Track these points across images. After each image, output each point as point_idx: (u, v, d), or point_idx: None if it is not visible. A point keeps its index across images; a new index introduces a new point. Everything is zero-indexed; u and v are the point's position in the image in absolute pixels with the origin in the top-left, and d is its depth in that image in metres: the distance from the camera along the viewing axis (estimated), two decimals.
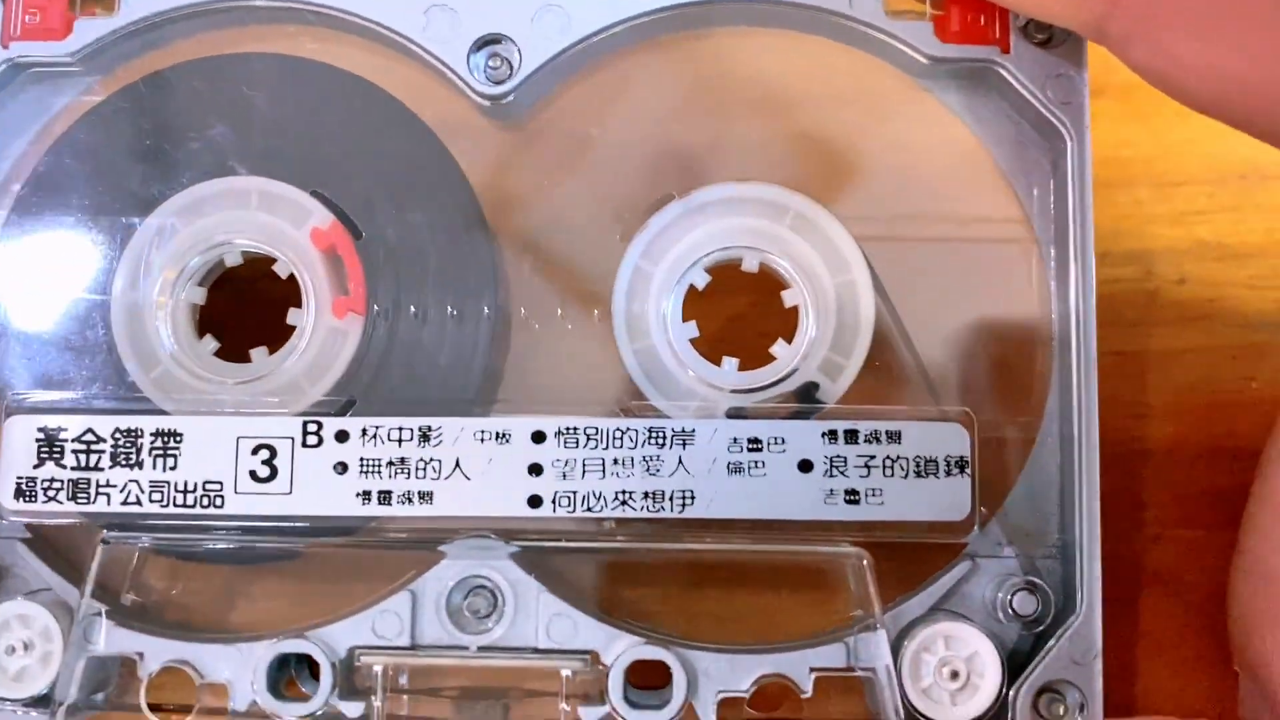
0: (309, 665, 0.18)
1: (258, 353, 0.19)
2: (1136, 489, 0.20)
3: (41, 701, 0.18)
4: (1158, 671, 0.19)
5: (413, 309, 0.19)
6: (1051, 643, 0.17)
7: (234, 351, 0.19)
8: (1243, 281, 0.20)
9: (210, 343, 0.19)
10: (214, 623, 0.18)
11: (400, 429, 0.18)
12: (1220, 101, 0.16)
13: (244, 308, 0.19)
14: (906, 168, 0.19)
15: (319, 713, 0.17)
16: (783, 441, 0.18)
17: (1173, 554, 0.20)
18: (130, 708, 0.18)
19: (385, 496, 0.18)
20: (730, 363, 0.19)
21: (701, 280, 0.19)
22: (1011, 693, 0.17)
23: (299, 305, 0.19)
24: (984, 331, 0.18)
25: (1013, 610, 0.18)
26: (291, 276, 0.19)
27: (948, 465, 0.18)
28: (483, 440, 0.18)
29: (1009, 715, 0.17)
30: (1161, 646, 0.19)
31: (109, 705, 0.18)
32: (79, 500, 0.18)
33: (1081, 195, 0.18)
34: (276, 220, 0.19)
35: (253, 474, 0.18)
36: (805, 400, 0.18)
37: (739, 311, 0.19)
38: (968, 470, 0.18)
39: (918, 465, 0.18)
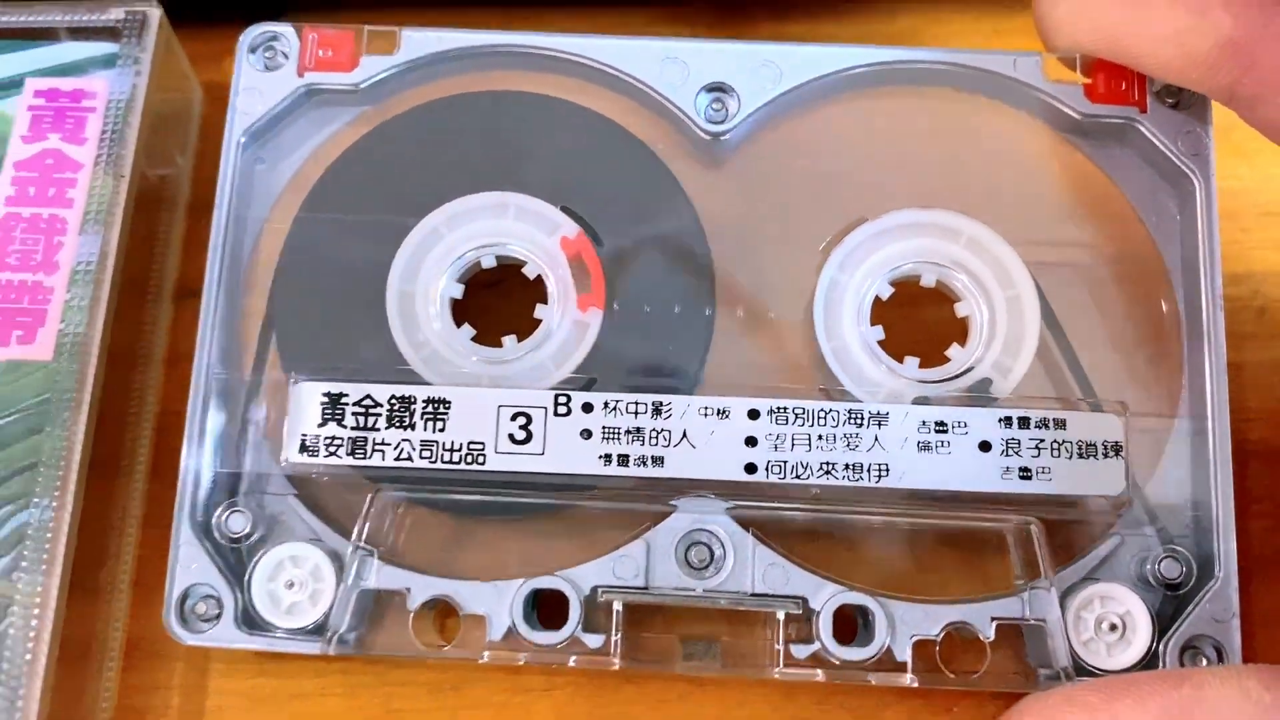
0: (536, 611, 0.20)
1: (508, 340, 0.21)
2: (1247, 484, 0.22)
3: (311, 632, 0.20)
4: (1276, 642, 0.21)
5: (646, 307, 0.21)
6: (1192, 606, 0.20)
7: (485, 339, 0.21)
8: None
9: (468, 330, 0.21)
10: (456, 568, 0.20)
11: (636, 403, 0.20)
12: None
13: (493, 302, 0.22)
14: (1057, 205, 0.22)
15: (564, 643, 0.19)
16: (965, 425, 0.20)
17: None
18: (391, 644, 0.20)
19: (623, 459, 0.20)
20: (911, 361, 0.21)
21: (886, 291, 0.21)
22: (1160, 646, 0.20)
23: (543, 302, 0.21)
24: (1125, 339, 0.21)
25: (1160, 574, 0.20)
26: (538, 277, 0.22)
27: (1104, 449, 0.20)
28: (706, 415, 0.20)
29: (1159, 665, 0.20)
30: (1273, 620, 0.22)
31: (363, 643, 0.20)
32: (356, 455, 0.20)
33: (1209, 230, 0.21)
34: (530, 229, 0.21)
35: (511, 436, 0.20)
36: (979, 393, 0.21)
37: (918, 318, 0.22)
38: (1121, 453, 0.20)
39: (1079, 448, 0.20)
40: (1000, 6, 0.25)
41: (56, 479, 0.19)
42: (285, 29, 0.22)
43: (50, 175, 0.21)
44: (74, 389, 0.20)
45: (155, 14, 0.23)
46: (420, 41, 0.22)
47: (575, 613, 0.19)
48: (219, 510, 0.20)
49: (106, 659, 0.21)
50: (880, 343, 0.21)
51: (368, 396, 0.20)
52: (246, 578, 0.20)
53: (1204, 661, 0.19)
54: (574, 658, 0.19)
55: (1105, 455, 0.20)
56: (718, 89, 0.21)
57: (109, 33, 0.23)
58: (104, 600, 0.22)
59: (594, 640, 0.19)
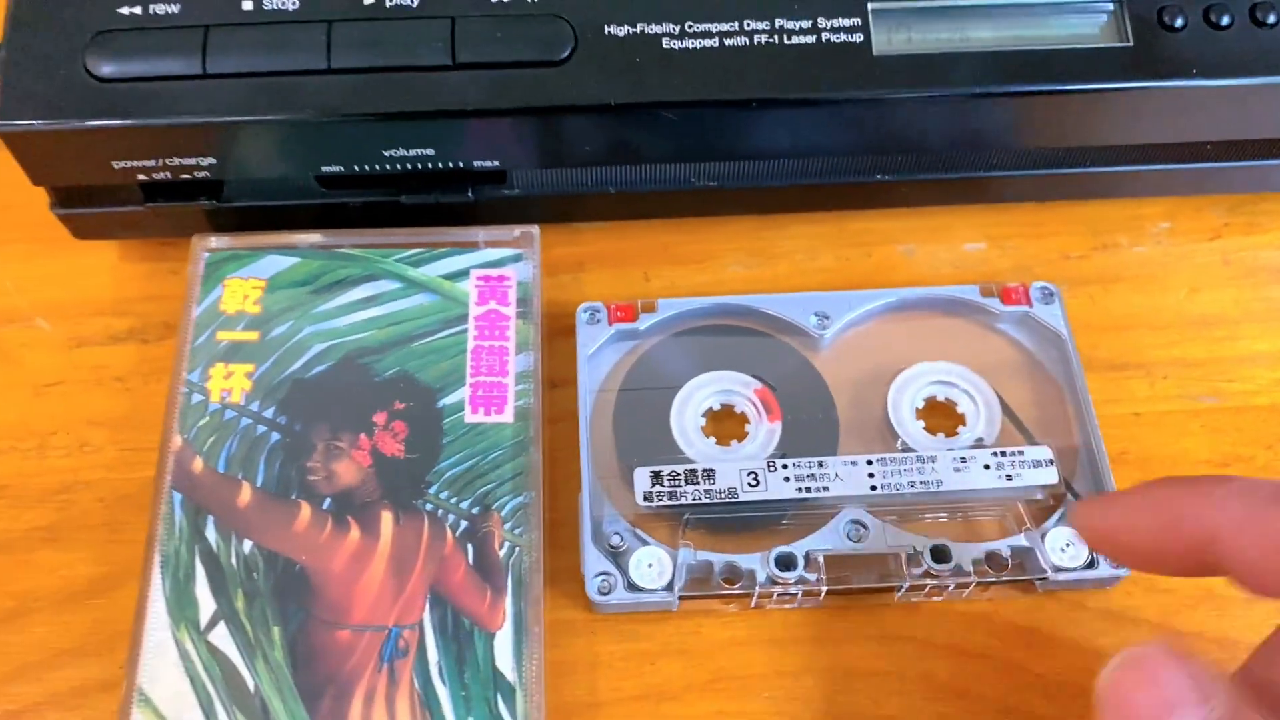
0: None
1: (734, 442, 0.38)
2: (1138, 474, 0.38)
3: (665, 589, 0.35)
4: None
5: (801, 417, 0.38)
6: None
7: (720, 443, 0.38)
8: (1197, 377, 0.40)
9: (713, 439, 0.38)
10: (730, 552, 0.36)
11: (810, 462, 0.37)
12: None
13: (718, 425, 0.39)
14: (998, 354, 0.40)
15: (798, 579, 0.35)
16: (975, 457, 0.37)
17: None
18: (702, 594, 0.35)
19: (807, 489, 0.36)
20: (940, 435, 0.38)
21: (920, 405, 0.39)
22: (1095, 554, 0.36)
23: (749, 421, 0.39)
24: (1043, 413, 0.39)
25: None
26: (742, 412, 0.39)
27: (1044, 463, 0.37)
28: (846, 464, 0.37)
29: (1094, 563, 0.36)
30: None
31: (686, 595, 0.35)
32: (671, 499, 0.36)
33: (1075, 357, 0.39)
34: (739, 387, 0.39)
35: (749, 484, 0.37)
36: (978, 445, 0.38)
37: (939, 416, 0.39)
38: (1053, 464, 0.37)
39: (1032, 463, 0.37)
40: (992, 209, 0.44)
41: (531, 481, 0.35)
42: (600, 305, 0.40)
43: (494, 324, 0.37)
44: (533, 436, 0.36)
45: (536, 231, 0.39)
46: (668, 305, 0.40)
47: (801, 563, 0.35)
48: (604, 533, 0.36)
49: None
50: (924, 429, 0.39)
51: (674, 470, 0.37)
52: (625, 565, 0.35)
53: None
54: (800, 592, 0.35)
55: (1046, 465, 0.37)
56: (820, 314, 0.40)
57: (512, 242, 0.39)
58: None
59: (811, 577, 0.35)
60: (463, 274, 0.39)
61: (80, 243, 0.42)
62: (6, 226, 0.44)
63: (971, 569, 0.35)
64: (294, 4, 0.37)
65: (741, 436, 0.38)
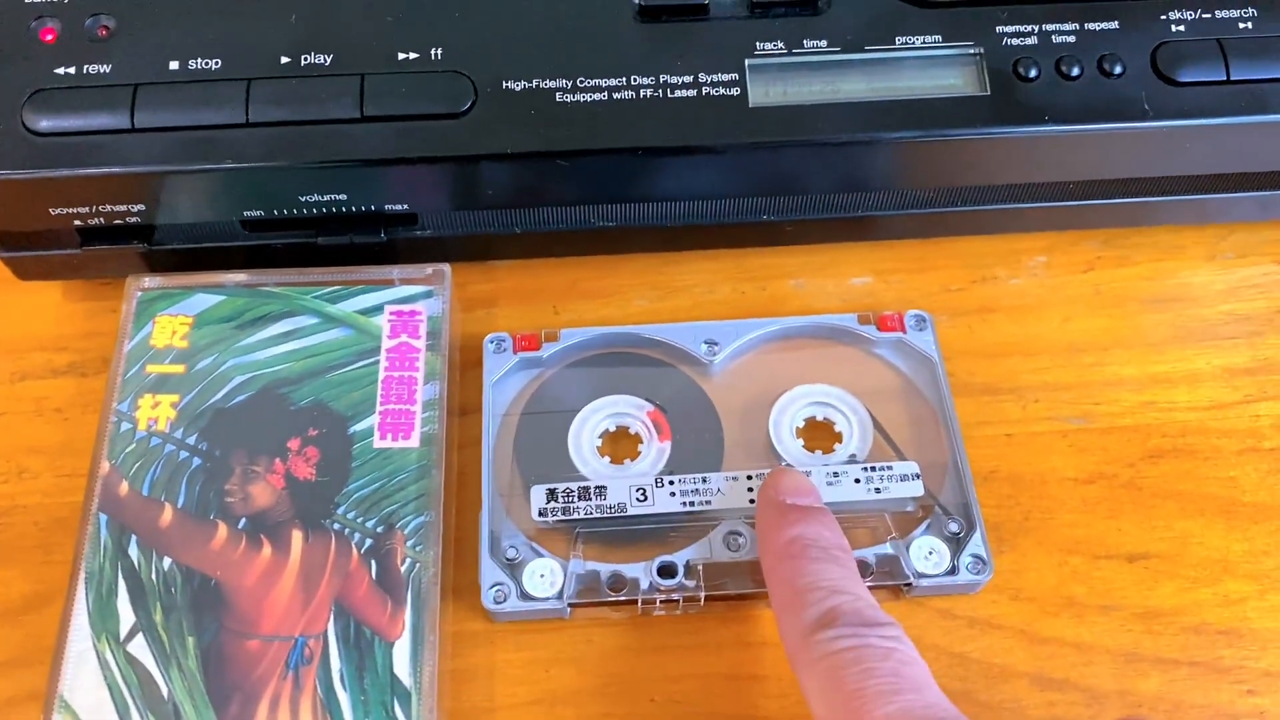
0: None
1: (627, 460, 0.40)
2: (1007, 491, 0.41)
3: (555, 598, 0.37)
4: (1005, 561, 0.40)
5: (690, 437, 0.41)
6: (966, 541, 0.38)
7: (615, 462, 0.40)
8: (1066, 400, 0.42)
9: (607, 459, 0.40)
10: (618, 562, 0.38)
11: (694, 478, 0.39)
12: None
13: (612, 446, 0.41)
14: (872, 375, 0.42)
15: (677, 586, 0.37)
16: (847, 471, 0.39)
17: (1035, 521, 0.41)
18: (590, 601, 0.37)
19: (692, 503, 0.39)
20: (818, 453, 0.41)
21: (800, 425, 0.41)
22: (954, 562, 0.38)
23: (642, 441, 0.41)
24: (915, 431, 0.41)
25: (950, 530, 0.38)
26: (636, 432, 0.41)
27: (911, 476, 0.39)
28: (727, 480, 0.39)
29: (955, 570, 0.38)
30: (1024, 564, 0.40)
31: (575, 602, 0.37)
32: (565, 514, 0.38)
33: (944, 379, 0.42)
34: (633, 410, 0.41)
35: (637, 499, 0.39)
36: (851, 461, 0.40)
37: (817, 435, 0.41)
38: (920, 478, 0.39)
39: (901, 477, 0.39)
40: (879, 246, 0.46)
41: (433, 501, 0.37)
42: (506, 335, 0.42)
43: (405, 355, 0.39)
44: (437, 460, 0.38)
45: (447, 269, 0.41)
46: (570, 334, 0.43)
47: (681, 571, 0.37)
48: (501, 546, 0.38)
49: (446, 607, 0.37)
50: (803, 446, 0.41)
51: (568, 487, 0.39)
52: (520, 576, 0.37)
53: (978, 568, 0.38)
54: (681, 598, 0.37)
55: (912, 479, 0.39)
56: (710, 342, 0.43)
57: (424, 280, 0.41)
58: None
59: (691, 584, 0.37)
60: (377, 309, 0.41)
61: (26, 283, 0.45)
62: None
63: None
64: (216, 64, 0.39)
65: (634, 455, 0.40)
